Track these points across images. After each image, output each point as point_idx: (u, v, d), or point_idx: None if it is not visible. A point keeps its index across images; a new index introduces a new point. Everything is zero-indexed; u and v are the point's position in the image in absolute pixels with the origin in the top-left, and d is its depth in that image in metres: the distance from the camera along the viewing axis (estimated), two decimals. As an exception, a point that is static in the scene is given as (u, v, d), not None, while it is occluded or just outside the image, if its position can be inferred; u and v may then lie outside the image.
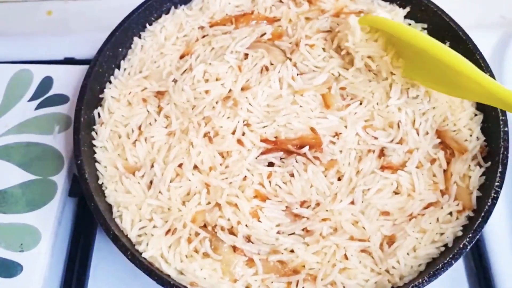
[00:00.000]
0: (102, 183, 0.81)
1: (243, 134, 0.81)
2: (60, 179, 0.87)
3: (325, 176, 0.78)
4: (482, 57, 0.83)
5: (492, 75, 0.81)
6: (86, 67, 0.87)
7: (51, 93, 0.96)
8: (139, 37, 0.94)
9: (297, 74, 0.85)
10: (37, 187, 0.86)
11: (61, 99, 0.95)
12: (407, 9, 0.92)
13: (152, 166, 0.80)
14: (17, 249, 0.81)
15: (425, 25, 0.91)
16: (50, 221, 0.83)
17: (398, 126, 0.80)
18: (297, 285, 0.72)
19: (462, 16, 1.01)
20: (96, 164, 0.82)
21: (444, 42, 0.87)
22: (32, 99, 0.96)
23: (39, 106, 0.95)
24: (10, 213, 0.84)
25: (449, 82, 0.76)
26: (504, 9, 1.14)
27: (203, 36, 0.93)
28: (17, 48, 1.07)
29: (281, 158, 0.80)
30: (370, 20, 0.83)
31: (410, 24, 0.92)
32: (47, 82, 0.98)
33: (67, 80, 0.97)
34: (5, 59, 1.03)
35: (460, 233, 0.74)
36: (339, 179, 0.79)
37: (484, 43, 0.92)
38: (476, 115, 0.83)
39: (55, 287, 0.83)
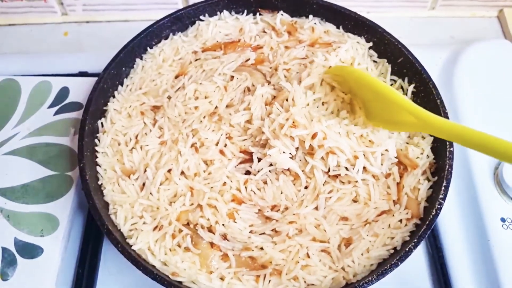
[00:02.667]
0: (102, 184, 0.82)
1: (225, 145, 0.82)
2: (75, 174, 0.88)
3: (294, 185, 0.79)
4: (434, 86, 0.84)
5: (442, 103, 0.83)
6: (96, 79, 0.88)
7: (67, 101, 0.98)
8: (141, 58, 0.95)
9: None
10: (56, 181, 0.88)
11: (76, 106, 0.97)
12: (370, 43, 0.94)
13: (145, 170, 0.80)
14: (38, 234, 0.83)
15: (385, 60, 0.93)
16: (66, 210, 0.85)
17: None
18: (264, 279, 0.72)
19: (420, 36, 1.11)
20: (97, 167, 0.83)
21: (403, 73, 0.90)
22: (51, 106, 0.98)
23: (57, 112, 0.97)
24: (32, 203, 0.86)
25: (392, 118, 0.76)
26: (453, 30, 1.19)
27: (196, 60, 0.93)
28: (38, 63, 1.09)
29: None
30: (334, 70, 0.85)
31: (375, 61, 0.94)
32: (64, 92, 0.99)
33: (81, 90, 0.99)
34: (28, 72, 1.05)
35: (407, 238, 0.75)
36: (305, 187, 0.79)
37: (436, 58, 1.01)
38: (425, 137, 0.84)
39: (71, 266, 0.85)
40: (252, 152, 0.81)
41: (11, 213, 0.85)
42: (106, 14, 1.21)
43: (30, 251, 0.81)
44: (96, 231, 0.87)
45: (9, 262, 0.80)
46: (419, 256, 0.86)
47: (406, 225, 0.77)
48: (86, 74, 1.06)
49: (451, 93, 0.97)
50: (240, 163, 0.82)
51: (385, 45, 0.92)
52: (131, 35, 0.93)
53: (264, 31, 0.97)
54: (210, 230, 0.76)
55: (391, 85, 0.91)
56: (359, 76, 0.81)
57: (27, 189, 0.87)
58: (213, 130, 0.84)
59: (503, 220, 0.84)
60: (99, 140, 0.86)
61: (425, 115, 0.70)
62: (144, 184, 0.80)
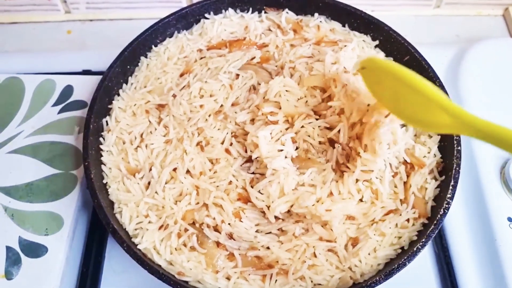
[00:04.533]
0: (106, 183, 0.81)
1: (231, 144, 0.81)
2: (80, 173, 0.88)
3: (300, 183, 0.78)
4: (442, 84, 0.83)
5: (446, 93, 0.81)
6: (101, 77, 0.88)
7: (71, 99, 0.98)
8: (146, 56, 0.94)
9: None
10: (60, 179, 0.87)
11: (80, 104, 0.97)
12: (377, 42, 0.93)
13: (150, 169, 0.80)
14: (42, 233, 0.82)
15: (392, 58, 0.92)
16: (71, 209, 0.84)
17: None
18: (271, 278, 0.72)
19: (425, 35, 1.10)
20: (102, 166, 0.82)
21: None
22: (55, 104, 0.97)
23: (61, 111, 0.96)
24: (36, 202, 0.85)
25: (424, 117, 0.66)
26: (459, 29, 1.18)
27: (201, 58, 0.92)
28: (42, 62, 1.08)
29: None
30: (366, 61, 0.73)
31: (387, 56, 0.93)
32: (68, 90, 0.99)
33: (85, 88, 0.98)
34: (32, 71, 1.04)
35: (415, 238, 0.74)
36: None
37: (442, 57, 1.01)
38: (432, 136, 0.83)
39: (75, 265, 0.84)
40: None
41: (15, 212, 0.84)
42: (110, 12, 1.20)
43: (34, 250, 0.81)
44: (101, 230, 0.86)
45: (13, 261, 0.80)
46: (425, 255, 0.85)
47: (413, 224, 0.76)
48: (90, 73, 1.05)
49: (457, 91, 0.97)
50: (246, 161, 0.81)
51: (391, 44, 0.91)
52: (134, 33, 0.93)
53: (270, 29, 0.96)
54: (216, 229, 0.75)
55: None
56: (389, 69, 0.69)
57: (31, 188, 0.87)
58: (218, 129, 0.83)
59: (510, 219, 0.83)
60: (103, 139, 0.85)
61: (466, 116, 0.59)
62: (149, 183, 0.80)
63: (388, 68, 0.69)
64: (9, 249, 0.81)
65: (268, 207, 0.75)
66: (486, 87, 0.98)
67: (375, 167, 0.74)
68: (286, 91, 0.81)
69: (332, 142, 0.79)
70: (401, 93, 0.67)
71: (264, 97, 0.81)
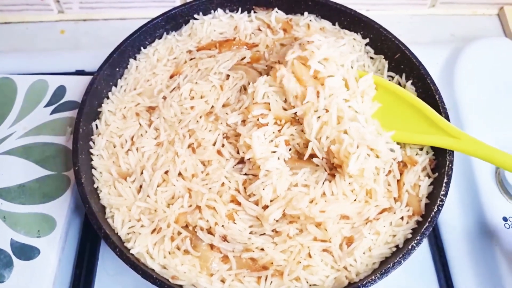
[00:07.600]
0: (97, 187, 0.78)
1: (223, 145, 0.79)
2: (72, 174, 0.83)
3: (293, 183, 0.75)
4: (433, 81, 0.81)
5: (440, 98, 0.79)
6: (90, 80, 0.85)
7: (64, 100, 0.95)
8: (135, 58, 0.91)
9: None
10: (52, 181, 0.85)
11: (72, 105, 0.94)
12: (367, 40, 0.90)
13: (142, 172, 0.78)
14: (35, 235, 0.80)
15: (382, 56, 0.89)
16: (64, 210, 0.82)
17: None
18: (266, 280, 0.70)
19: (420, 34, 1.08)
20: (93, 170, 0.80)
21: (401, 69, 0.87)
22: (47, 105, 0.94)
23: (53, 111, 0.94)
24: (28, 204, 0.83)
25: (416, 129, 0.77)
26: (454, 28, 1.15)
27: (191, 59, 0.90)
28: (35, 62, 1.05)
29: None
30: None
31: (372, 58, 0.90)
32: (60, 91, 0.96)
33: (78, 89, 0.95)
34: (24, 71, 1.01)
35: (409, 235, 0.72)
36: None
37: (437, 56, 0.98)
38: None
39: (68, 267, 0.82)
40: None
41: (7, 214, 0.81)
42: (103, 12, 1.16)
43: (26, 252, 0.78)
44: (94, 232, 0.81)
45: (5, 263, 0.77)
46: (420, 256, 0.83)
47: (407, 222, 0.74)
48: (83, 73, 1.02)
49: (452, 91, 0.94)
50: (238, 163, 0.79)
51: (382, 41, 0.88)
52: (128, 33, 0.90)
53: (259, 29, 0.94)
54: (209, 231, 0.73)
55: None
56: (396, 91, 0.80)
57: (24, 190, 0.84)
58: (210, 130, 0.81)
59: (505, 219, 0.81)
60: (94, 143, 0.83)
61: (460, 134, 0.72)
62: (141, 187, 0.77)
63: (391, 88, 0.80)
64: (0, 251, 0.78)
65: (264, 211, 0.73)
66: (481, 86, 0.95)
67: (361, 180, 0.72)
68: (273, 91, 0.79)
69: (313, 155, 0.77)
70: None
71: (253, 99, 0.78)
